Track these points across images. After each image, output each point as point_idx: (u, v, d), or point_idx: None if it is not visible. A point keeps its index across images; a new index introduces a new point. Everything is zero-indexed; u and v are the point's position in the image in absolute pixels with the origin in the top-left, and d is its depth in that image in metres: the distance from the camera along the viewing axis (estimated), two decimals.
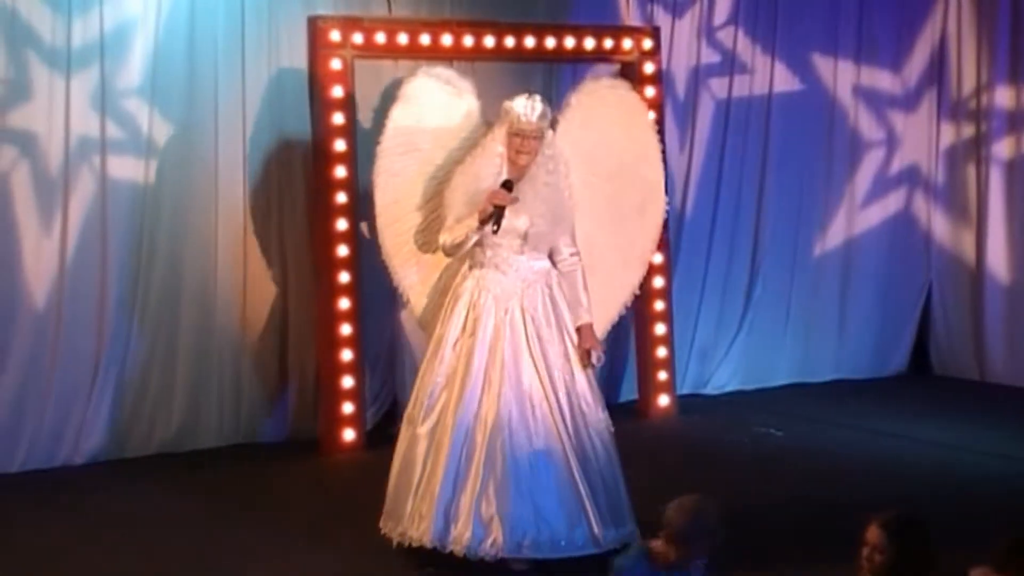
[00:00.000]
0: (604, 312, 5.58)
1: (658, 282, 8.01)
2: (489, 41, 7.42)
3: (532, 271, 5.24)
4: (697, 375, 8.61)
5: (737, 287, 8.71)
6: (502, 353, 5.13)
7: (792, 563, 5.36)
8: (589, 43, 7.74)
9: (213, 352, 7.14)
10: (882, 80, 9.07)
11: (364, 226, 6.98)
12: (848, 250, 9.07)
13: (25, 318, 6.71)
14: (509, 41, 7.48)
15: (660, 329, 8.02)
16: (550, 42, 7.61)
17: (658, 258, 8.00)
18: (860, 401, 8.46)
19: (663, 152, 5.80)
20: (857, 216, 9.08)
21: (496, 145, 5.21)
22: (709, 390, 8.63)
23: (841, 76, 8.93)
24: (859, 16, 8.94)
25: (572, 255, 5.33)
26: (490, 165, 5.19)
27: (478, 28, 7.41)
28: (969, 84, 9.10)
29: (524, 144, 5.15)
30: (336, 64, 7.00)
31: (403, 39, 7.18)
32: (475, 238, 5.17)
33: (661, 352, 8.03)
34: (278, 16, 7.18)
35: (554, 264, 5.32)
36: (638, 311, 8.05)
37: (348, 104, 7.05)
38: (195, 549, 5.52)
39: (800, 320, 8.92)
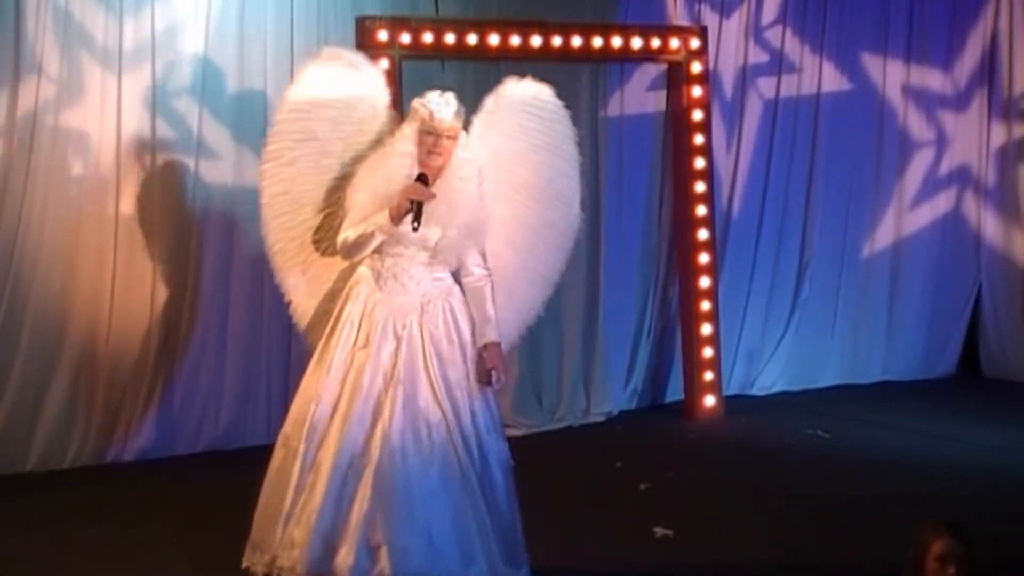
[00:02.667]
0: (506, 331, 5.03)
1: (704, 282, 8.00)
2: (536, 41, 7.43)
3: (434, 286, 4.83)
4: (743, 376, 8.58)
5: (784, 287, 8.67)
6: (398, 372, 4.73)
7: (841, 566, 5.33)
8: (636, 43, 7.73)
9: (262, 351, 7.19)
10: (932, 79, 9.00)
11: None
12: (897, 251, 9.01)
13: (77, 315, 6.78)
14: (556, 41, 7.48)
15: (706, 329, 8.00)
16: (597, 42, 7.61)
17: (704, 258, 8.00)
18: (908, 403, 8.40)
19: (582, 166, 5.26)
20: (906, 216, 9.02)
21: (406, 144, 4.78)
22: (755, 391, 8.60)
23: (890, 76, 8.87)
24: (909, 15, 8.87)
25: (482, 273, 4.90)
26: (399, 166, 4.76)
27: (525, 28, 7.42)
28: (1020, 83, 9.01)
29: (437, 144, 4.74)
30: (384, 64, 7.03)
31: (450, 39, 7.21)
32: (381, 238, 4.75)
33: (707, 352, 8.01)
34: (327, 16, 7.21)
35: (459, 280, 4.90)
36: (684, 311, 8.06)
37: (396, 104, 7.06)
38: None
39: (848, 321, 8.87)
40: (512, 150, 5.02)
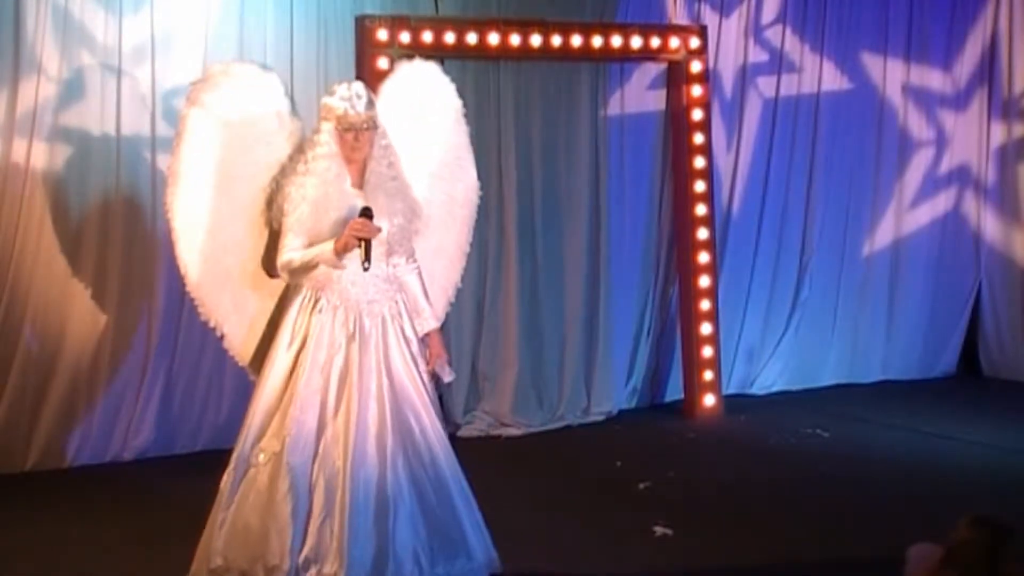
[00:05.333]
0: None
1: (704, 281, 8.00)
2: (536, 40, 7.43)
3: (385, 279, 4.78)
4: (743, 375, 8.58)
5: (784, 287, 8.67)
6: (352, 374, 4.68)
7: (841, 565, 5.33)
8: (636, 42, 7.73)
9: None
10: (932, 79, 9.00)
11: None
12: (897, 250, 9.01)
13: (77, 315, 6.78)
14: (556, 40, 7.49)
15: (706, 328, 8.01)
16: (597, 41, 7.61)
17: (704, 257, 8.01)
18: (908, 402, 8.41)
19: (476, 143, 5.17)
20: (906, 216, 9.02)
21: (328, 145, 4.68)
22: (755, 390, 8.60)
23: (890, 75, 8.87)
24: (909, 15, 8.87)
25: (411, 259, 4.87)
26: (327, 170, 4.66)
27: (525, 27, 7.42)
28: (1020, 83, 9.01)
29: (358, 138, 4.65)
30: (383, 63, 7.04)
31: (450, 38, 7.21)
32: (327, 269, 4.67)
33: (707, 352, 8.01)
34: (326, 15, 7.22)
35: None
36: (684, 310, 8.06)
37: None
38: None
39: (848, 320, 8.87)
40: (411, 131, 4.96)
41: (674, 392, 8.26)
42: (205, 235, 4.80)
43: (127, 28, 6.78)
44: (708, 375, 8.02)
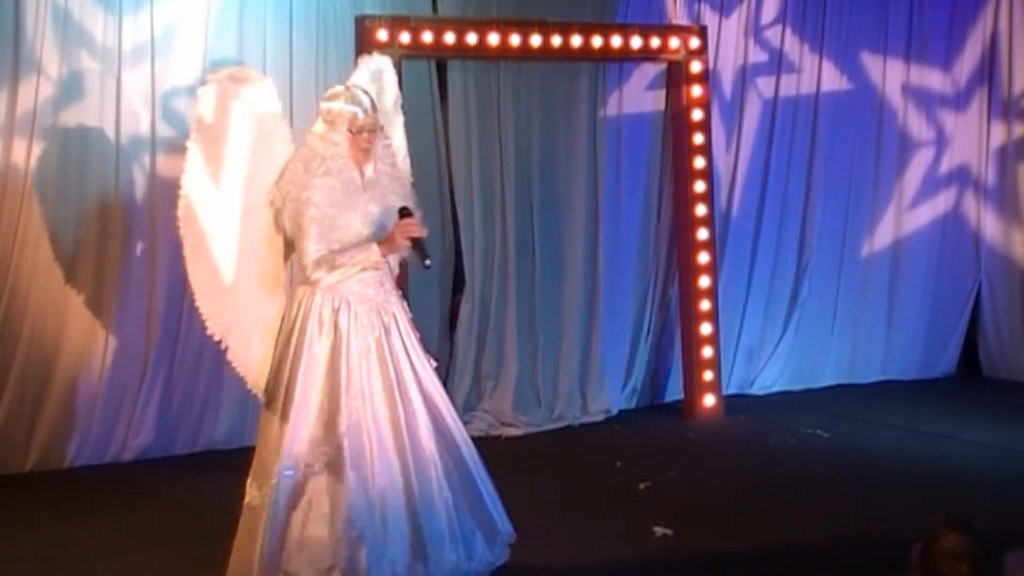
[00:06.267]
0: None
1: (704, 282, 8.00)
2: (535, 40, 7.43)
3: (390, 276, 4.90)
4: (743, 375, 8.58)
5: (783, 287, 8.67)
6: (389, 370, 4.77)
7: (841, 565, 5.33)
8: (636, 42, 7.73)
9: None
10: (932, 79, 8.99)
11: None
12: (896, 250, 9.00)
13: (77, 315, 6.78)
14: (556, 40, 7.49)
15: (706, 329, 8.00)
16: (597, 41, 7.61)
17: (704, 258, 8.00)
18: (908, 403, 8.40)
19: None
20: (906, 216, 9.01)
21: (340, 147, 4.76)
22: (755, 390, 8.60)
23: (890, 75, 8.86)
24: (909, 15, 8.87)
25: None
26: (343, 176, 4.74)
27: (524, 27, 7.42)
28: (1020, 83, 9.00)
29: (369, 139, 4.78)
30: None
31: (450, 38, 7.21)
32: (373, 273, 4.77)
33: (707, 352, 8.01)
34: (326, 15, 7.22)
35: None
36: (684, 310, 8.06)
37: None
38: None
39: (847, 320, 8.87)
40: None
41: (674, 392, 8.26)
42: (221, 241, 4.86)
43: (127, 28, 6.78)
44: (708, 375, 8.01)
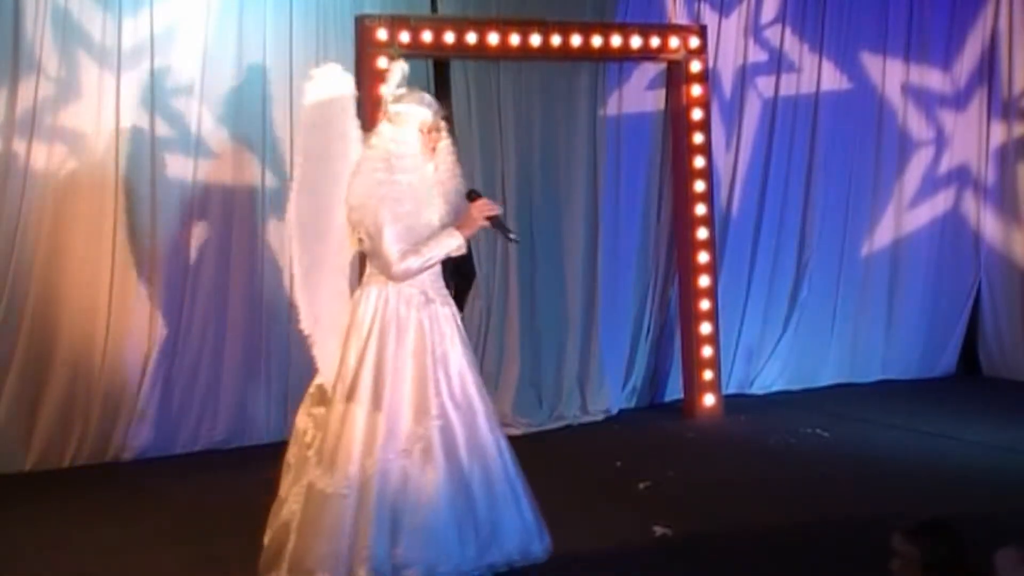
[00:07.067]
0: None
1: (704, 281, 8.00)
2: (535, 40, 7.43)
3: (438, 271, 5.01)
4: (743, 375, 8.58)
5: (783, 286, 8.67)
6: (451, 357, 4.90)
7: (840, 564, 5.33)
8: (636, 41, 7.73)
9: (261, 350, 7.19)
10: (931, 79, 9.00)
11: None
12: (896, 250, 9.01)
13: (76, 314, 6.78)
14: (555, 40, 7.48)
15: (706, 328, 8.00)
16: (596, 41, 7.61)
17: (704, 257, 8.00)
18: (908, 402, 8.40)
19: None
20: (905, 216, 9.02)
21: (411, 144, 4.86)
22: (755, 390, 8.60)
23: (890, 75, 8.87)
24: (908, 14, 8.87)
25: None
26: (421, 172, 4.87)
27: (524, 27, 7.42)
28: (1020, 83, 9.01)
29: (436, 137, 4.94)
30: (383, 63, 7.02)
31: (449, 38, 7.21)
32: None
33: (706, 351, 8.01)
34: (326, 14, 7.22)
35: None
36: (683, 310, 8.06)
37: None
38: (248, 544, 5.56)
39: (847, 320, 8.87)
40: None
41: (674, 392, 8.26)
42: (317, 234, 4.89)
43: (126, 28, 6.78)
44: (708, 375, 8.01)
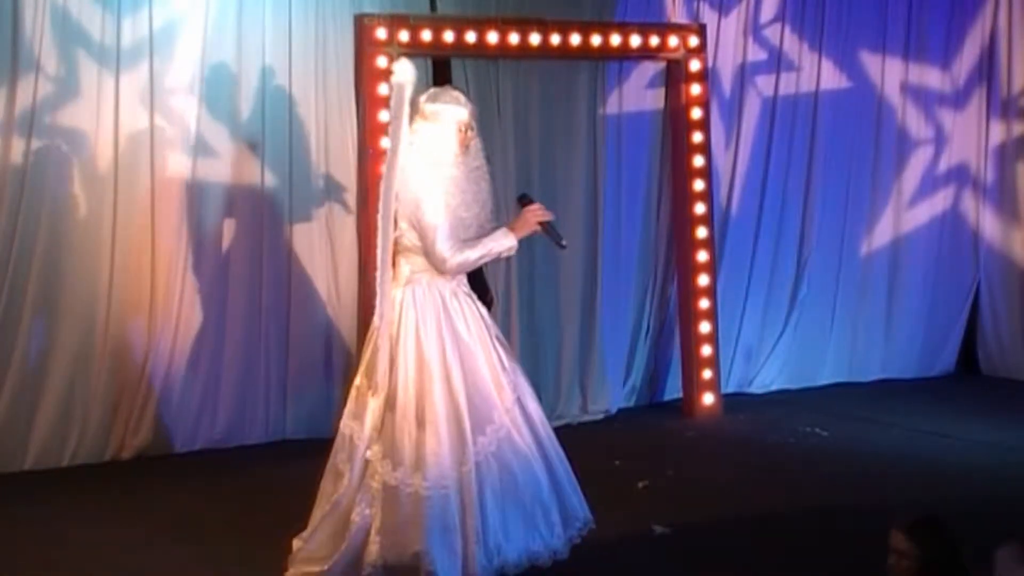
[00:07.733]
0: None
1: (703, 280, 8.00)
2: (535, 39, 7.42)
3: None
4: (742, 374, 8.58)
5: (783, 285, 8.67)
6: (493, 351, 4.95)
7: (840, 564, 5.33)
8: (635, 40, 7.73)
9: (260, 349, 7.19)
10: (931, 77, 9.00)
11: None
12: (895, 249, 9.01)
13: (75, 313, 6.78)
14: (555, 39, 7.48)
15: (705, 327, 8.00)
16: (596, 40, 7.61)
17: (703, 256, 8.00)
18: (907, 401, 8.40)
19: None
20: (905, 215, 9.02)
21: (450, 142, 4.90)
22: (754, 389, 8.60)
23: (889, 73, 8.86)
24: (908, 13, 8.87)
25: None
26: (459, 167, 4.90)
27: (524, 26, 7.42)
28: (1019, 81, 9.01)
29: (470, 135, 4.97)
30: (382, 62, 7.03)
31: (449, 37, 7.21)
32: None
33: (706, 350, 8.01)
34: (325, 13, 7.22)
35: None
36: (683, 309, 8.06)
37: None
38: (246, 547, 5.57)
39: (846, 319, 8.87)
40: None
41: (673, 391, 8.26)
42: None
43: (125, 27, 6.78)
44: (707, 374, 8.01)
